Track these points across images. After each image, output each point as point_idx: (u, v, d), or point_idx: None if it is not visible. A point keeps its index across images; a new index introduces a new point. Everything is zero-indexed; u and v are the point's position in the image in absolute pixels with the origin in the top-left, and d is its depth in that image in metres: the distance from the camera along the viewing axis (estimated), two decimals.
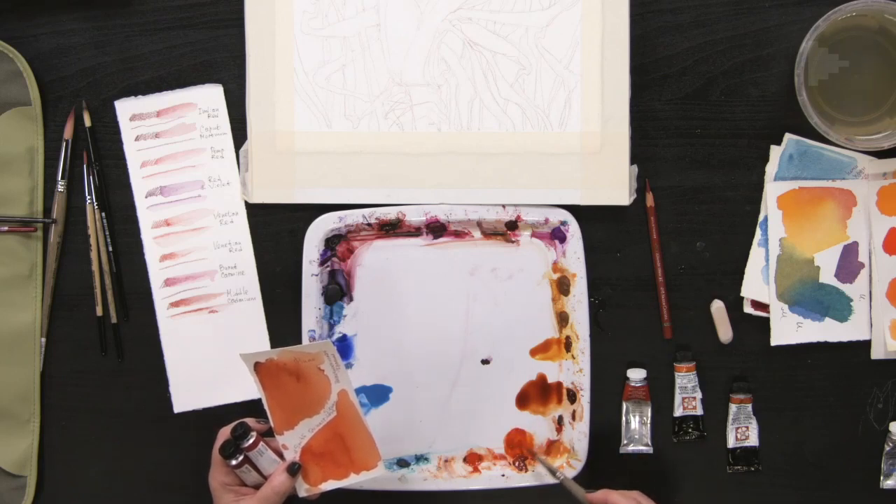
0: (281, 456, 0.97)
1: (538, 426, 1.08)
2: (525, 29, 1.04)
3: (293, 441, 0.96)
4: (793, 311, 1.05)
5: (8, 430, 1.06)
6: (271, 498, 0.94)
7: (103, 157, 1.07)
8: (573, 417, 1.06)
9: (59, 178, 1.06)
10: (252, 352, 0.95)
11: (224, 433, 0.96)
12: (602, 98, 1.04)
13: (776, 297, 1.05)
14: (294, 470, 0.95)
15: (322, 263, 1.06)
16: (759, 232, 1.06)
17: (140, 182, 1.07)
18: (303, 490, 0.96)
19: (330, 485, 0.97)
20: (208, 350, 1.07)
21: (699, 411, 1.07)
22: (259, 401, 0.97)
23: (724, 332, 1.07)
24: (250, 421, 0.97)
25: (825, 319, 1.06)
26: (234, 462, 0.95)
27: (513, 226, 1.06)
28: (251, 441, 0.95)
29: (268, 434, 0.97)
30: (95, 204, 1.07)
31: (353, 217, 1.05)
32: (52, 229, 1.06)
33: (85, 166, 1.07)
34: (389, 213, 1.05)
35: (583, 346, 1.06)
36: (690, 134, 1.06)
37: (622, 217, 1.07)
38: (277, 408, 0.96)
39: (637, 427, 1.07)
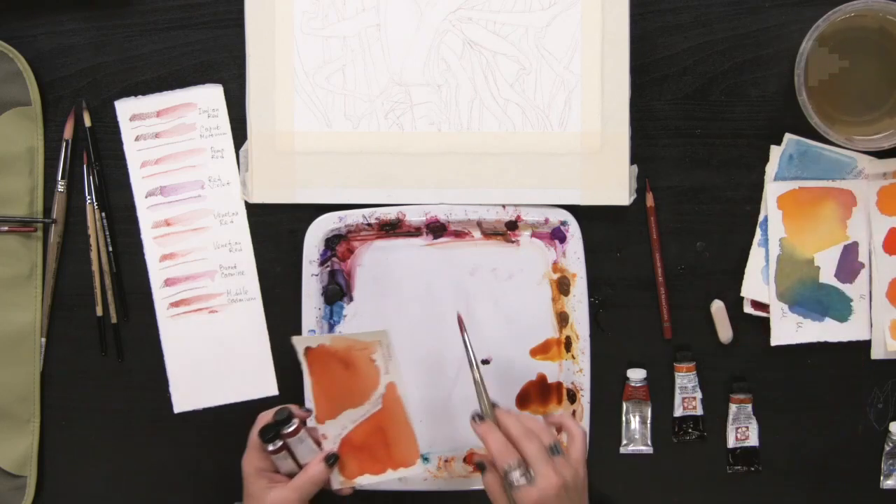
0: (319, 445, 0.95)
1: None
2: (525, 29, 1.04)
3: (334, 431, 0.95)
4: (793, 311, 1.05)
5: (8, 430, 1.06)
6: (306, 487, 0.92)
7: (103, 157, 1.07)
8: (573, 417, 1.06)
9: (59, 178, 1.06)
10: (305, 336, 0.93)
11: (265, 417, 0.94)
12: (602, 98, 1.04)
13: (776, 297, 1.05)
14: (332, 461, 0.94)
15: (322, 263, 1.06)
16: (759, 232, 1.06)
17: (140, 182, 1.07)
18: (337, 482, 0.95)
19: (366, 479, 0.95)
20: (208, 350, 1.07)
21: (699, 411, 1.07)
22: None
23: (724, 332, 1.07)
24: (293, 407, 0.95)
25: (825, 319, 1.06)
26: (272, 447, 0.93)
27: (513, 226, 1.06)
28: (293, 427, 0.93)
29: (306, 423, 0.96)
30: (95, 204, 1.07)
31: (353, 217, 1.05)
32: (52, 229, 1.06)
33: (85, 166, 1.07)
34: (389, 213, 1.05)
35: (583, 346, 1.06)
36: (690, 134, 1.06)
37: (622, 217, 1.07)
38: (322, 396, 0.94)
39: (637, 427, 1.07)
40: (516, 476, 0.88)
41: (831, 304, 1.05)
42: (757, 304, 1.07)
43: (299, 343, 0.94)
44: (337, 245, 1.07)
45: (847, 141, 1.00)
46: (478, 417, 0.94)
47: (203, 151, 1.07)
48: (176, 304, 1.07)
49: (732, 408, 1.07)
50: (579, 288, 1.05)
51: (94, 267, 1.07)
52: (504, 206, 1.05)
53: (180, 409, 1.07)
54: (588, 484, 0.92)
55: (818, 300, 1.05)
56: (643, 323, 1.07)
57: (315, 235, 1.05)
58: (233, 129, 1.07)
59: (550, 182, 1.04)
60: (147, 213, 1.07)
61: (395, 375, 0.95)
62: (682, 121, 1.06)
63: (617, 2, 1.03)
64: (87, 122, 1.06)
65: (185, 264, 1.07)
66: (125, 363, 1.08)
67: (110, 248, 1.07)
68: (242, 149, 1.06)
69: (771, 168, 1.06)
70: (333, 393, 0.95)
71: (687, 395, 1.07)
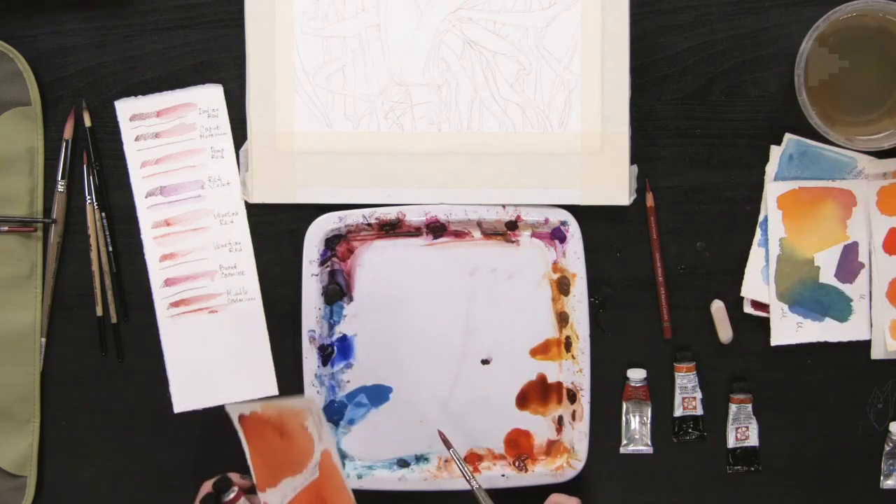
0: None
1: (538, 426, 1.08)
2: (525, 29, 1.04)
3: (275, 500, 0.93)
4: (793, 311, 1.05)
5: (8, 430, 1.06)
6: None
7: (103, 157, 1.07)
8: (573, 417, 1.06)
9: (59, 178, 1.06)
10: (236, 403, 0.93)
11: (207, 486, 0.95)
12: (602, 98, 1.04)
13: (776, 297, 1.05)
14: None
15: (322, 263, 1.06)
16: (759, 232, 1.06)
17: (140, 182, 1.07)
18: None
19: None
20: (208, 350, 1.07)
21: (699, 411, 1.07)
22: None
23: (724, 332, 1.07)
24: (234, 476, 0.95)
25: (825, 319, 1.06)
26: None
27: (513, 226, 1.06)
28: (232, 496, 0.93)
29: (251, 491, 0.95)
30: (95, 204, 1.07)
31: (353, 217, 1.05)
32: (52, 229, 1.06)
33: (85, 166, 1.07)
34: (389, 213, 1.05)
35: (583, 346, 1.06)
36: (690, 134, 1.06)
37: (622, 217, 1.07)
38: (261, 464, 0.92)
39: (637, 427, 1.07)
40: None
41: (831, 304, 1.05)
42: (757, 304, 1.07)
43: (233, 411, 0.92)
44: (337, 245, 1.07)
45: (847, 141, 1.00)
46: None
47: (203, 151, 1.07)
48: (176, 304, 1.07)
49: (732, 408, 1.07)
50: (579, 288, 1.05)
51: (94, 267, 1.07)
52: (504, 206, 1.05)
53: (180, 409, 1.07)
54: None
55: (818, 300, 1.05)
56: (643, 323, 1.07)
57: (315, 235, 1.05)
58: (233, 129, 1.07)
59: (550, 182, 1.04)
60: (147, 213, 1.07)
61: (329, 443, 0.94)
62: (682, 121, 1.06)
63: (617, 2, 1.03)
64: (87, 122, 1.06)
65: (185, 264, 1.07)
66: (125, 363, 1.08)
67: (110, 248, 1.07)
68: (242, 149, 1.06)
69: (771, 168, 1.06)
70: (272, 461, 0.93)
71: (687, 395, 1.07)
